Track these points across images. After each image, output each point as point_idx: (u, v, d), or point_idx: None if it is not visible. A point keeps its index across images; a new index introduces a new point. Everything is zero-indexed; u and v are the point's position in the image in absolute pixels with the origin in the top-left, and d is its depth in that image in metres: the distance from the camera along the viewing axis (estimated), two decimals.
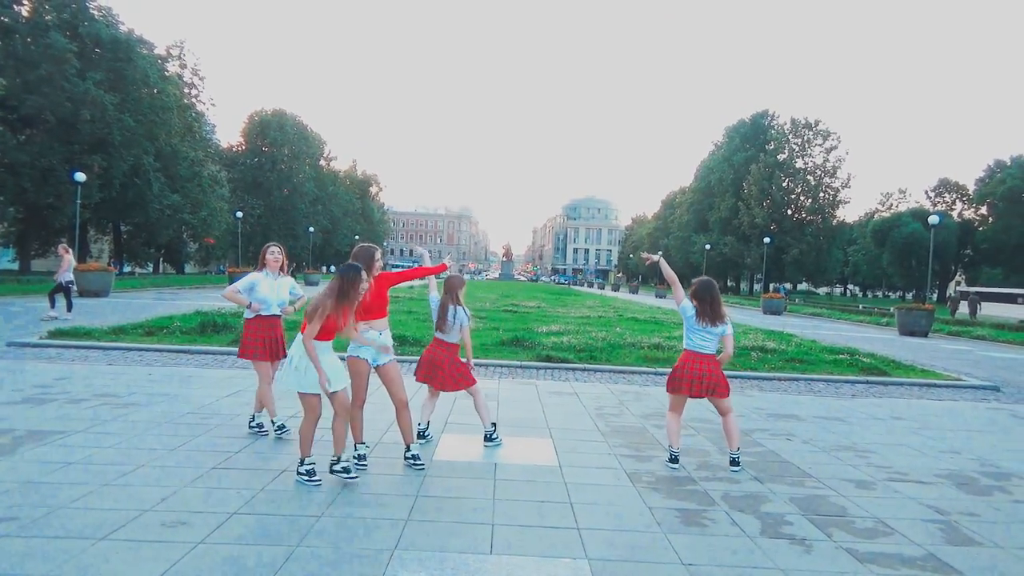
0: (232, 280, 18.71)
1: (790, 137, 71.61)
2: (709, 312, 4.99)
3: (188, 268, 58.83)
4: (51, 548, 3.19)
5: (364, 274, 4.27)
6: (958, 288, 59.09)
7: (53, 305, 14.60)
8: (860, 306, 47.88)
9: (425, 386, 5.57)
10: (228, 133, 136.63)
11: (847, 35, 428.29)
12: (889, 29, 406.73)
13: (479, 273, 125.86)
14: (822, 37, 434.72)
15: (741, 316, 28.41)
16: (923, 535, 3.94)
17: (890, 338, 21.60)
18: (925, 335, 23.19)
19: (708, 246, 66.51)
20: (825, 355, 12.23)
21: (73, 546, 3.22)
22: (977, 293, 44.03)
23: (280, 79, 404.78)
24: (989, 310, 41.64)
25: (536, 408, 7.18)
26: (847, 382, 10.16)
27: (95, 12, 37.44)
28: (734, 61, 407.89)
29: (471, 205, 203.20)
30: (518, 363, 10.25)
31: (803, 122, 70.99)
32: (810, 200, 70.06)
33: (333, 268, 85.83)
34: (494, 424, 5.59)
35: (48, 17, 34.59)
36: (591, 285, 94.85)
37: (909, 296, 74.44)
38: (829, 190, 69.75)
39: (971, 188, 70.91)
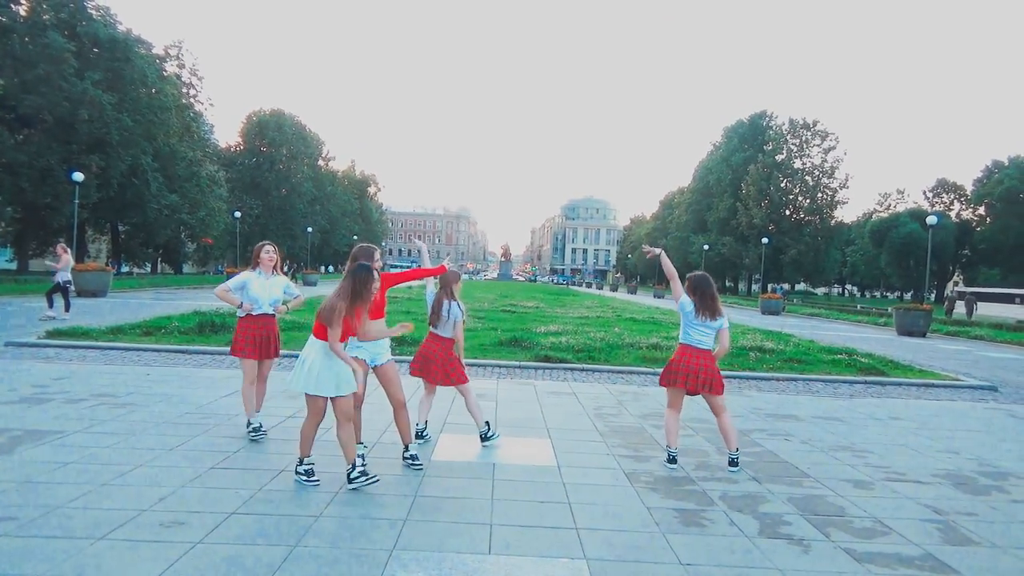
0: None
1: (788, 137, 71.59)
2: (709, 305, 5.01)
3: (186, 268, 58.76)
4: (49, 548, 3.19)
5: (375, 273, 4.27)
6: (955, 288, 59.10)
7: (51, 305, 14.60)
8: (858, 306, 47.95)
9: (422, 385, 5.60)
10: (226, 133, 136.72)
11: (845, 36, 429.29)
12: (887, 30, 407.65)
13: (477, 273, 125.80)
14: (820, 38, 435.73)
15: (739, 316, 28.41)
16: (921, 535, 3.95)
17: (888, 338, 21.62)
18: (923, 335, 23.22)
19: (706, 246, 66.59)
20: (823, 355, 12.23)
21: (71, 546, 3.22)
22: (975, 293, 44.02)
23: (278, 79, 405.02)
24: (987, 310, 41.65)
25: (534, 408, 7.17)
26: (845, 382, 10.17)
27: (93, 12, 37.35)
28: (732, 62, 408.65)
29: (469, 205, 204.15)
30: (516, 363, 10.26)
31: (801, 123, 70.98)
32: (808, 200, 70.07)
33: (331, 268, 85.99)
34: (488, 423, 5.60)
35: (46, 16, 34.52)
36: (589, 285, 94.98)
37: (907, 296, 74.49)
38: (827, 190, 69.83)
39: (969, 188, 70.98)
